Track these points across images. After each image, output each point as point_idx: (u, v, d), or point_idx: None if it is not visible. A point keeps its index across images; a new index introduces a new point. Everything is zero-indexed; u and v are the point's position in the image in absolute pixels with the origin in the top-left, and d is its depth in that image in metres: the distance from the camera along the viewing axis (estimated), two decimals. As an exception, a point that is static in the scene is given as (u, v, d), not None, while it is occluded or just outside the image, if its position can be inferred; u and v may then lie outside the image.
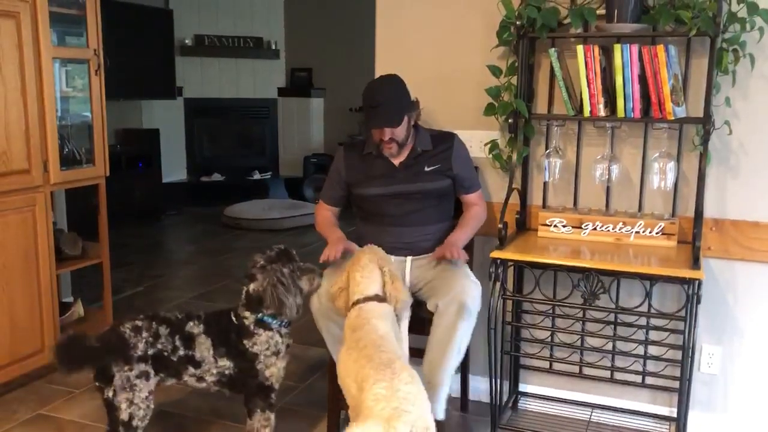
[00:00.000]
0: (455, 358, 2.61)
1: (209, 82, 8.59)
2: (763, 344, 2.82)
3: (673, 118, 2.56)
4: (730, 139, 2.70)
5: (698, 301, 2.45)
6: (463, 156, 2.88)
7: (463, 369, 3.09)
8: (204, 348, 2.48)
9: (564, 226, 2.81)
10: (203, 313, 2.55)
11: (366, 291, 2.44)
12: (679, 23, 2.52)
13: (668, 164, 2.70)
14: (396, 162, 2.83)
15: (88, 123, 3.71)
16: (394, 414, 1.91)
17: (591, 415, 3.01)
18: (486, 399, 2.91)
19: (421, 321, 2.67)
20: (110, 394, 2.40)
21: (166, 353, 2.44)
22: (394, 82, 2.78)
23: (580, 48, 2.62)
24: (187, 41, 8.34)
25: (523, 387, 3.17)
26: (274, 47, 8.80)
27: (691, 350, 2.51)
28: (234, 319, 2.52)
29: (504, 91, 2.86)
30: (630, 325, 2.85)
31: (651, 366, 2.92)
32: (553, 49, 2.68)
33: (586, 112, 2.66)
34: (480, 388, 3.15)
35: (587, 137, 2.91)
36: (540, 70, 2.91)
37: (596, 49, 2.60)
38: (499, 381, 2.76)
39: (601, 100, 2.63)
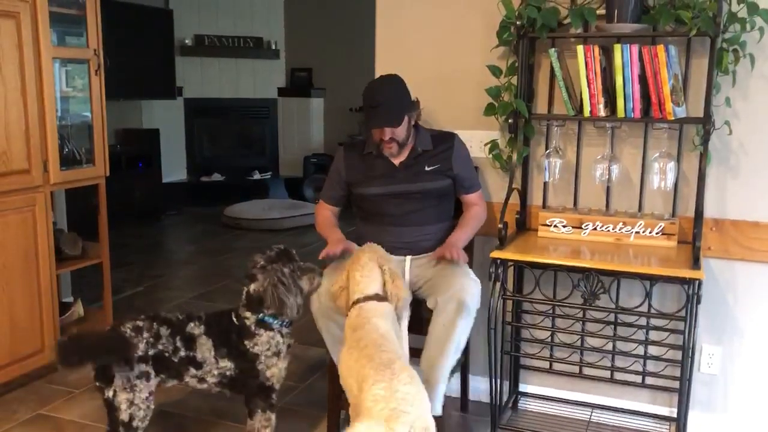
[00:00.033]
0: (453, 356, 2.61)
1: (209, 82, 8.59)
2: (763, 344, 2.82)
3: (673, 118, 2.56)
4: (730, 139, 2.70)
5: (698, 301, 2.45)
6: (464, 156, 2.88)
7: (463, 369, 3.10)
8: (205, 349, 2.47)
9: (564, 226, 2.81)
10: (204, 314, 2.55)
11: (366, 290, 2.44)
12: (680, 23, 2.52)
13: (668, 164, 2.70)
14: (396, 162, 2.83)
15: (88, 123, 3.71)
16: (392, 415, 1.91)
17: (591, 416, 3.01)
18: (486, 399, 2.92)
19: (420, 321, 2.67)
20: (110, 394, 2.39)
21: (167, 354, 2.44)
22: (394, 82, 2.78)
23: (580, 48, 2.62)
24: (187, 41, 8.34)
25: (523, 387, 3.17)
26: (274, 47, 8.80)
27: (691, 350, 2.51)
28: (235, 319, 2.52)
29: (504, 91, 2.86)
30: (630, 325, 2.85)
31: (651, 366, 2.92)
32: (553, 49, 2.68)
33: (586, 112, 2.66)
34: (480, 388, 3.15)
35: (587, 137, 2.91)
36: (540, 70, 2.91)
37: (596, 49, 2.60)
38: (499, 381, 2.76)
39: (601, 100, 2.63)
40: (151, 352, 2.42)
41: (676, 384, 2.77)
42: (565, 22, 2.72)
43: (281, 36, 8.86)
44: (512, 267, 2.76)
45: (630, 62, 2.55)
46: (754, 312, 2.81)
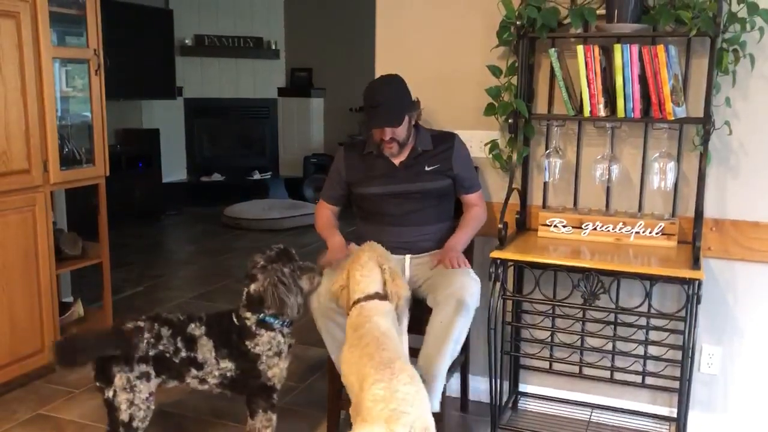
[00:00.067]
0: (451, 353, 2.61)
1: (209, 82, 8.59)
2: (763, 344, 2.82)
3: (673, 118, 2.56)
4: (730, 139, 2.70)
5: (698, 302, 2.45)
6: (464, 156, 2.88)
7: (463, 369, 3.10)
8: (206, 350, 2.47)
9: (564, 226, 2.81)
10: (205, 315, 2.55)
11: (367, 290, 2.45)
12: (680, 23, 2.52)
13: (668, 164, 2.70)
14: (396, 162, 2.83)
15: (88, 123, 3.71)
16: (392, 415, 1.92)
17: (591, 416, 3.01)
18: (486, 399, 2.91)
19: (419, 321, 2.67)
20: (110, 394, 2.39)
21: (167, 355, 2.44)
22: (394, 82, 2.78)
23: (580, 48, 2.62)
24: (187, 41, 8.34)
25: (523, 387, 3.17)
26: (274, 47, 8.80)
27: (691, 350, 2.51)
28: (235, 320, 2.52)
29: (504, 91, 2.86)
30: (630, 325, 2.85)
31: (651, 366, 2.92)
32: (553, 49, 2.68)
33: (586, 112, 2.66)
34: (480, 388, 3.15)
35: (587, 137, 2.91)
36: (540, 70, 2.91)
37: (596, 49, 2.60)
38: (499, 381, 2.76)
39: (601, 100, 2.63)
40: (151, 353, 2.42)
41: (676, 384, 2.77)
42: (565, 22, 2.72)
43: (281, 36, 8.86)
44: (512, 267, 2.76)
45: (630, 62, 2.55)
46: (754, 312, 2.81)
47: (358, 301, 2.44)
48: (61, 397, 3.26)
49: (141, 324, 2.44)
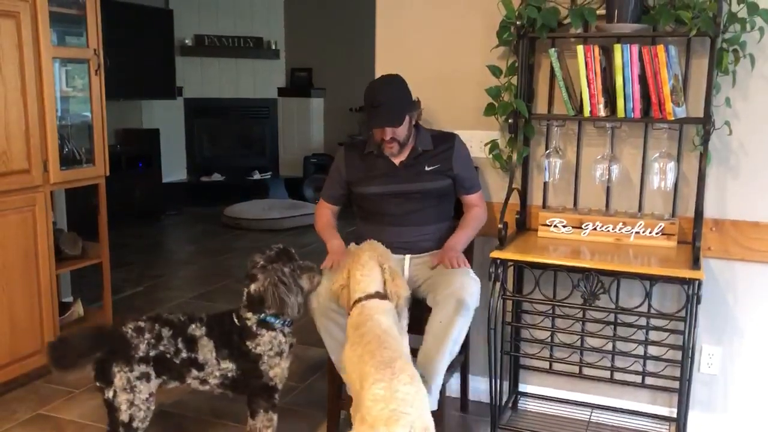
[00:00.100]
0: (450, 353, 2.61)
1: (209, 82, 8.59)
2: (763, 344, 2.82)
3: (673, 118, 2.56)
4: (730, 139, 2.70)
5: (698, 302, 2.45)
6: (464, 156, 2.88)
7: (463, 369, 3.10)
8: (207, 350, 2.47)
9: (564, 227, 2.81)
10: (205, 315, 2.55)
11: (367, 289, 2.45)
12: (680, 23, 2.52)
13: (668, 164, 2.70)
14: (396, 161, 2.83)
15: (88, 123, 3.71)
16: (392, 416, 1.94)
17: (591, 416, 3.01)
18: (486, 399, 2.91)
19: (419, 320, 2.67)
20: (111, 395, 2.39)
21: (168, 355, 2.44)
22: (395, 82, 2.79)
23: (580, 48, 2.62)
24: (187, 41, 8.34)
25: (522, 387, 3.17)
26: (274, 47, 8.80)
27: (691, 350, 2.51)
28: (236, 320, 2.52)
29: (504, 91, 2.86)
30: (630, 325, 2.85)
31: (651, 366, 2.92)
32: (553, 49, 2.68)
33: (586, 112, 2.66)
34: (480, 388, 3.15)
35: (587, 137, 2.91)
36: (540, 70, 2.91)
37: (596, 49, 2.60)
38: (498, 381, 2.76)
39: (601, 100, 2.63)
40: (152, 354, 2.42)
41: (676, 384, 2.77)
42: (565, 22, 2.72)
43: (281, 36, 8.86)
44: (512, 267, 2.76)
45: (630, 62, 2.55)
46: (754, 312, 2.81)
47: (359, 300, 2.44)
48: (61, 397, 3.26)
49: (141, 324, 2.44)
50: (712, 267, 2.80)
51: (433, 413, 2.55)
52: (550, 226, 2.82)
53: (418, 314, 2.67)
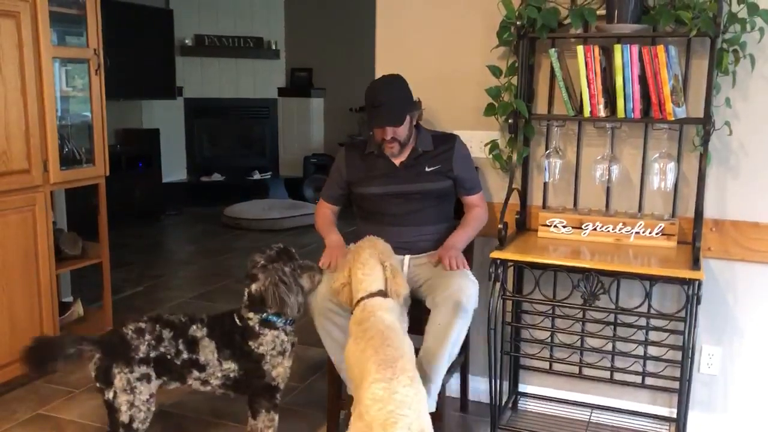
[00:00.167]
0: (449, 355, 2.61)
1: (209, 82, 8.59)
2: (763, 345, 2.82)
3: (673, 118, 2.56)
4: (730, 139, 2.70)
5: (698, 302, 2.45)
6: (464, 157, 2.88)
7: (463, 369, 3.10)
8: (208, 351, 2.47)
9: (564, 227, 2.81)
10: (206, 316, 2.54)
11: (369, 288, 2.45)
12: (680, 24, 2.52)
13: (668, 165, 2.70)
14: (397, 162, 2.84)
15: (88, 123, 3.71)
16: (389, 417, 1.97)
17: (590, 416, 3.01)
18: (486, 399, 2.92)
19: (419, 321, 2.67)
20: (111, 395, 2.39)
21: (169, 357, 2.44)
22: (396, 82, 2.79)
23: (580, 48, 2.62)
24: (187, 41, 8.34)
25: (522, 387, 3.17)
26: (274, 47, 8.80)
27: (690, 351, 2.51)
28: (238, 320, 2.52)
29: (504, 91, 2.86)
30: (630, 325, 2.85)
31: (651, 367, 2.92)
32: (553, 49, 2.68)
33: (586, 113, 2.66)
34: (480, 388, 3.15)
35: (587, 137, 2.91)
36: (540, 71, 2.91)
37: (596, 49, 2.60)
38: (498, 381, 2.76)
39: (601, 100, 2.63)
40: (152, 355, 2.42)
41: (675, 384, 2.77)
42: (565, 22, 2.72)
43: (281, 36, 8.86)
44: (512, 267, 2.76)
45: (630, 62, 2.55)
46: (754, 312, 2.81)
47: (361, 299, 2.44)
48: (61, 397, 3.26)
49: (142, 325, 2.44)
50: (712, 267, 2.80)
51: (433, 414, 2.56)
52: (550, 226, 2.82)
53: (418, 315, 2.67)
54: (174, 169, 8.33)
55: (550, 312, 2.97)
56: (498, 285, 2.64)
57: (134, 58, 6.86)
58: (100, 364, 2.40)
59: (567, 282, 2.69)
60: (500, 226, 2.69)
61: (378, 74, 3.08)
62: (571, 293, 2.65)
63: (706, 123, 2.54)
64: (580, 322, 2.95)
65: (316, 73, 8.96)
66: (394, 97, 2.73)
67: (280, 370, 2.53)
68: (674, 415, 2.84)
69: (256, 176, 8.69)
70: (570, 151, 2.93)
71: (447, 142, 2.87)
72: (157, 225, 7.35)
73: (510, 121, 2.81)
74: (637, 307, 2.59)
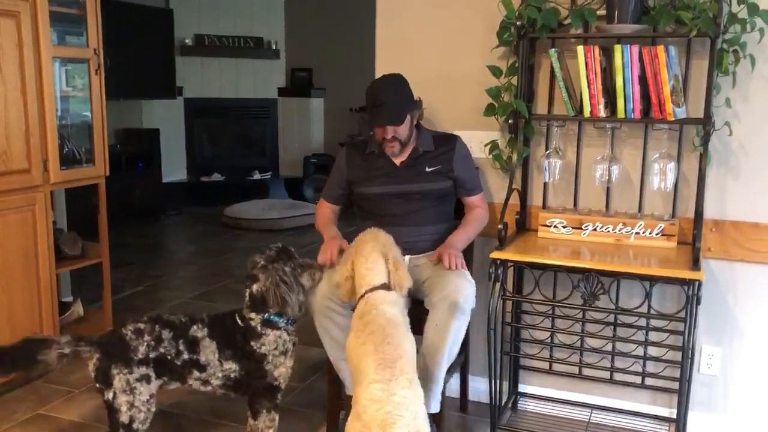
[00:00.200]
0: (448, 355, 2.61)
1: (209, 82, 8.59)
2: (763, 345, 2.82)
3: (673, 119, 2.56)
4: (730, 140, 2.70)
5: (698, 302, 2.44)
6: (465, 158, 2.88)
7: (463, 369, 3.10)
8: (209, 351, 2.47)
9: (564, 227, 2.81)
10: (207, 316, 2.54)
11: (372, 282, 2.44)
12: (680, 24, 2.52)
13: (668, 165, 2.70)
14: (397, 162, 2.84)
15: (88, 123, 3.71)
16: (387, 419, 1.98)
17: (590, 416, 3.01)
18: (485, 399, 2.91)
19: (418, 321, 2.67)
20: (110, 396, 2.39)
21: (169, 357, 2.44)
22: (397, 81, 2.79)
23: (580, 48, 2.62)
24: (187, 41, 8.34)
25: (522, 388, 3.17)
26: (274, 47, 8.80)
27: (690, 351, 2.51)
28: (239, 321, 2.51)
29: (504, 91, 2.86)
30: (630, 326, 2.84)
31: (651, 367, 2.92)
32: (553, 49, 2.68)
33: (586, 113, 2.66)
34: (479, 388, 3.15)
35: (587, 138, 2.91)
36: (540, 71, 2.91)
37: (596, 49, 2.60)
38: (498, 382, 2.76)
39: (602, 100, 2.63)
40: (152, 355, 2.41)
41: (675, 385, 2.77)
42: (566, 22, 2.72)
43: (281, 36, 8.86)
44: (512, 267, 2.76)
45: (630, 63, 2.55)
46: (754, 313, 2.81)
47: (365, 293, 2.44)
48: (60, 397, 3.26)
49: (141, 326, 2.44)
50: (712, 268, 2.80)
51: (435, 415, 2.56)
52: (550, 226, 2.82)
53: (417, 315, 2.67)
54: (174, 169, 8.33)
55: (550, 312, 2.97)
56: (498, 285, 2.64)
57: (134, 58, 6.86)
58: (99, 364, 2.40)
59: (567, 282, 2.69)
60: (500, 226, 2.69)
61: (378, 74, 3.08)
62: (571, 293, 2.65)
63: (706, 123, 2.54)
64: (580, 323, 2.95)
65: (316, 73, 8.96)
66: (394, 97, 2.73)
67: (282, 370, 2.53)
68: (674, 416, 2.84)
69: (256, 176, 8.69)
70: (570, 151, 2.93)
71: (448, 142, 2.87)
72: (157, 225, 7.35)
73: (510, 121, 2.81)
74: (637, 308, 2.59)
